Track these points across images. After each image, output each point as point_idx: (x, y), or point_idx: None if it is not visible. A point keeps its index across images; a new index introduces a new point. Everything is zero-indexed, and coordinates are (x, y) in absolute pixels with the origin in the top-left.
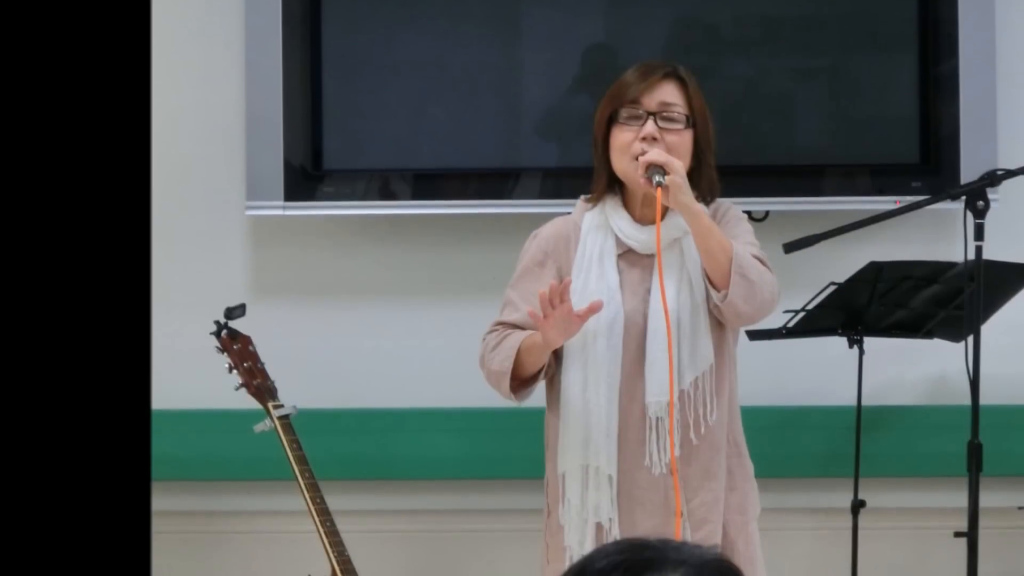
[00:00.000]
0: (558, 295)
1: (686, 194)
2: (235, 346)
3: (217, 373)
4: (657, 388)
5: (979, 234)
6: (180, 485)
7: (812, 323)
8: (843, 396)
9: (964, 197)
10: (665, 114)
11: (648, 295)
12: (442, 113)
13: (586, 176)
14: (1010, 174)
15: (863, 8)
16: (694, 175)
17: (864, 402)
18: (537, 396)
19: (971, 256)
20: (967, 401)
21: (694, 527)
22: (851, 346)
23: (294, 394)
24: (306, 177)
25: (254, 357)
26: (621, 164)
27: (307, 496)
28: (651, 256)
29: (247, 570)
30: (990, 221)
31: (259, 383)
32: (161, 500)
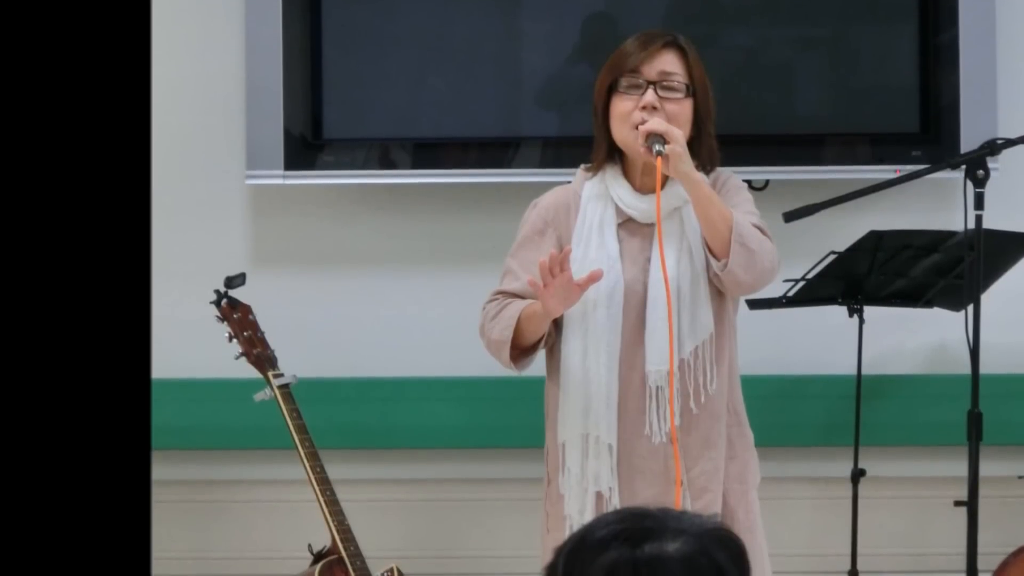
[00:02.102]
0: (558, 264)
1: (686, 163)
2: (235, 315)
3: (217, 342)
4: (657, 357)
5: (979, 203)
6: (180, 454)
7: (812, 292)
8: (843, 365)
9: (964, 166)
10: (665, 83)
11: (648, 264)
12: (442, 82)
13: (586, 145)
14: (1010, 143)
15: None
16: (694, 144)
17: (864, 371)
18: (537, 365)
19: (971, 225)
20: (967, 370)
21: (694, 496)
22: (851, 315)
23: (294, 363)
24: (306, 146)
25: (254, 326)
26: (621, 133)
27: (307, 465)
28: (651, 225)
29: (247, 539)
30: (990, 190)
31: (259, 352)
32: (161, 469)
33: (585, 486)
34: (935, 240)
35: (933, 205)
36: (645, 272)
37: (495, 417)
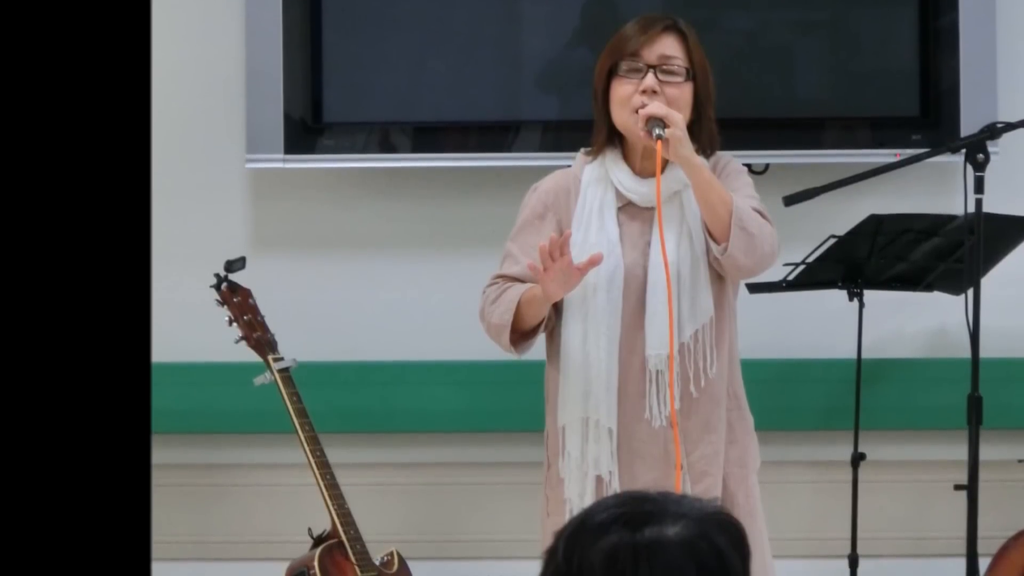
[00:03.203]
0: (558, 248)
1: (686, 147)
2: (235, 299)
3: (217, 326)
4: (657, 341)
5: (979, 187)
6: (180, 438)
7: (812, 276)
8: (843, 349)
9: (964, 150)
10: (665, 67)
11: (648, 248)
12: (442, 66)
13: (586, 129)
14: (1010, 127)
15: None
16: (694, 128)
17: (864, 355)
18: (537, 349)
19: (971, 209)
20: (967, 354)
21: (694, 480)
22: (851, 299)
23: (294, 347)
24: (306, 130)
25: (254, 310)
26: (621, 117)
27: (307, 449)
28: (651, 209)
29: (247, 523)
30: (990, 174)
31: (259, 336)
32: (161, 453)
33: (585, 470)
34: (935, 224)
35: (933, 189)
36: (645, 256)
37: (495, 401)
